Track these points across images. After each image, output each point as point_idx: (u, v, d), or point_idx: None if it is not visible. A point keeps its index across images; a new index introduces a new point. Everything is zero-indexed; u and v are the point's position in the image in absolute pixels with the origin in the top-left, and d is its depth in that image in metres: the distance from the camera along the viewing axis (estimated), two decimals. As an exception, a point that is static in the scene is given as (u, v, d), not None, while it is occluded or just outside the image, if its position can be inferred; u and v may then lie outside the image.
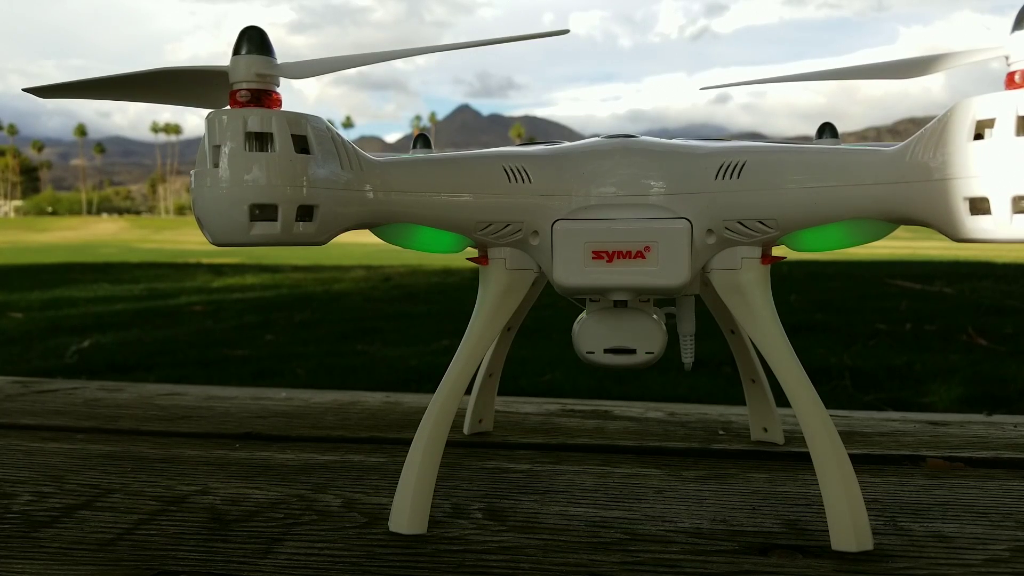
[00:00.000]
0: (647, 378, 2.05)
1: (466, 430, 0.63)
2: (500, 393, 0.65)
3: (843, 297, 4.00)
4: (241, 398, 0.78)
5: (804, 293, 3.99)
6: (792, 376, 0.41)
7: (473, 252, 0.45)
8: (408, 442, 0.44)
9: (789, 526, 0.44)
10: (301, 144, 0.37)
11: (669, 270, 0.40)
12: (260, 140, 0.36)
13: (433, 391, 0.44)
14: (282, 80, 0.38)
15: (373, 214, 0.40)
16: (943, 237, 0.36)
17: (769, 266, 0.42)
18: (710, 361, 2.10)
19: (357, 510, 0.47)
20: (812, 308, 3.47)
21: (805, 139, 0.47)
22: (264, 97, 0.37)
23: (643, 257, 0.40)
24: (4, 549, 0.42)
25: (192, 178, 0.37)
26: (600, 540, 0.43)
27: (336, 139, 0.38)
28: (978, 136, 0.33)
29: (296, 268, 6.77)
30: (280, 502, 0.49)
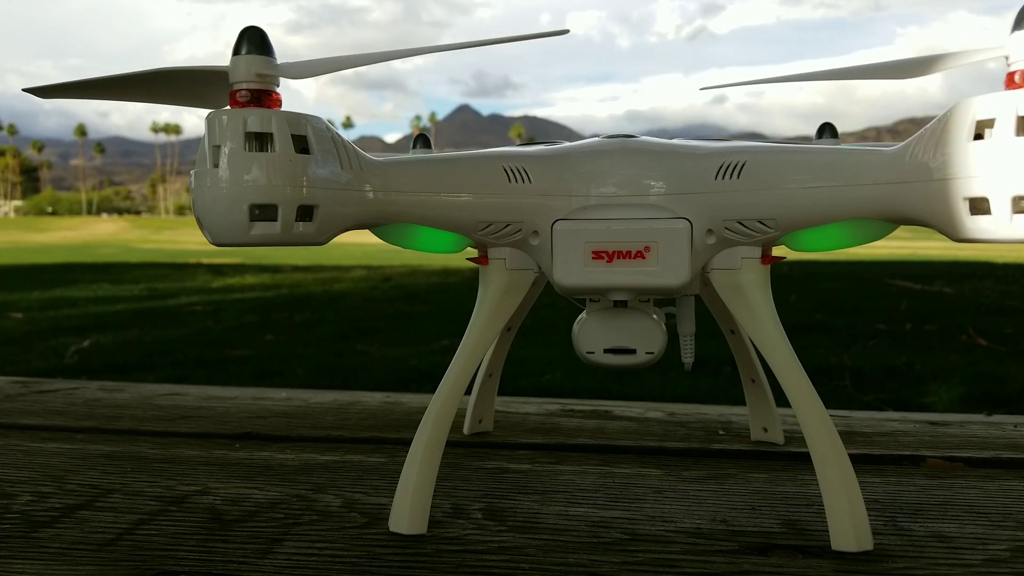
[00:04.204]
0: (647, 378, 2.05)
1: (466, 430, 0.63)
2: (500, 393, 0.65)
3: (843, 297, 4.00)
4: (241, 398, 0.78)
5: (804, 293, 3.99)
6: (792, 376, 0.41)
7: (473, 252, 0.45)
8: (408, 442, 0.44)
9: (789, 526, 0.44)
10: (301, 144, 0.37)
11: (669, 270, 0.40)
12: (260, 140, 0.36)
13: (433, 391, 0.44)
14: (281, 80, 0.38)
15: (373, 214, 0.40)
16: (943, 237, 0.36)
17: (769, 266, 0.42)
18: (710, 361, 2.10)
19: (357, 510, 0.47)
20: (812, 308, 3.47)
21: (804, 139, 0.47)
22: (264, 97, 0.37)
23: (643, 257, 0.40)
24: (4, 549, 0.42)
25: (192, 178, 0.37)
26: (600, 540, 0.43)
27: (336, 139, 0.38)
28: (978, 136, 0.33)
29: (296, 268, 6.77)
30: (280, 502, 0.49)
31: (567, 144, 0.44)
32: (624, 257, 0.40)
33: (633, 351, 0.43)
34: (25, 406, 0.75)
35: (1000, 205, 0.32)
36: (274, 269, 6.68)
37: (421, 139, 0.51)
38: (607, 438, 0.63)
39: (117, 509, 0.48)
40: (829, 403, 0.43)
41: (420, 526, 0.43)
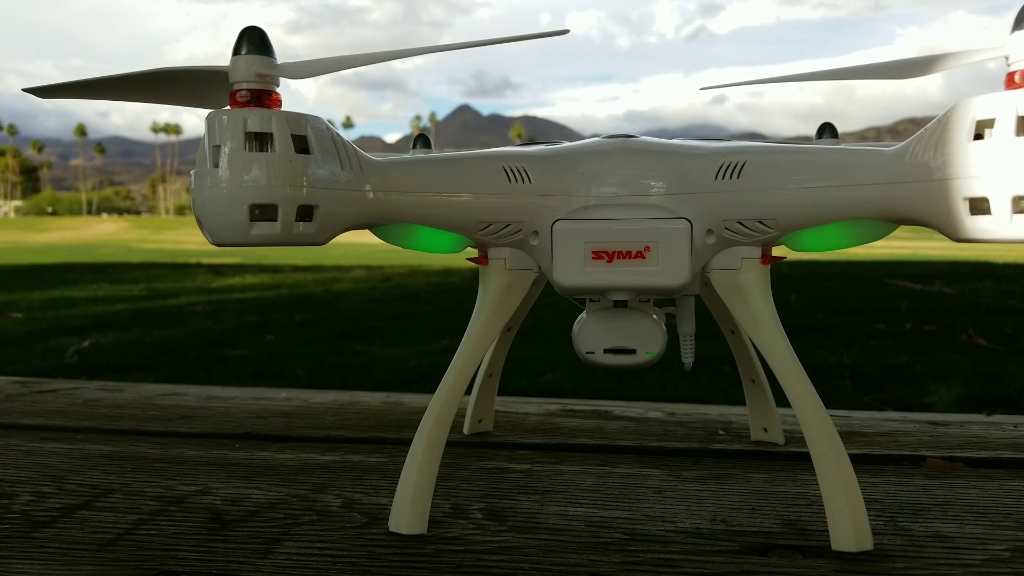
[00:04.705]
0: (647, 378, 2.05)
1: (466, 430, 0.63)
2: (500, 393, 0.65)
3: (843, 297, 4.00)
4: (241, 398, 0.78)
5: (804, 293, 3.99)
6: (792, 376, 0.41)
7: (473, 252, 0.45)
8: (408, 442, 0.44)
9: (789, 526, 0.44)
10: (301, 144, 0.37)
11: (669, 270, 0.40)
12: (260, 140, 0.36)
13: (433, 391, 0.44)
14: (281, 80, 0.38)
15: (373, 214, 0.40)
16: (943, 237, 0.36)
17: (769, 266, 0.42)
18: (710, 361, 2.10)
19: (357, 510, 0.47)
20: (812, 308, 3.47)
21: (804, 139, 0.47)
22: (264, 97, 0.37)
23: (643, 257, 0.40)
24: (4, 549, 0.42)
25: (192, 178, 0.37)
26: (600, 540, 0.43)
27: (336, 139, 0.38)
28: (978, 136, 0.33)
29: (296, 268, 6.77)
30: (280, 502, 0.49)
31: (567, 144, 0.44)
32: (624, 257, 0.40)
33: (633, 351, 0.43)
34: (25, 406, 0.75)
35: (1000, 205, 0.32)
36: (274, 269, 6.68)
37: (421, 139, 0.51)
38: (607, 438, 0.63)
39: (117, 509, 0.48)
40: (829, 403, 0.43)
41: (420, 526, 0.43)
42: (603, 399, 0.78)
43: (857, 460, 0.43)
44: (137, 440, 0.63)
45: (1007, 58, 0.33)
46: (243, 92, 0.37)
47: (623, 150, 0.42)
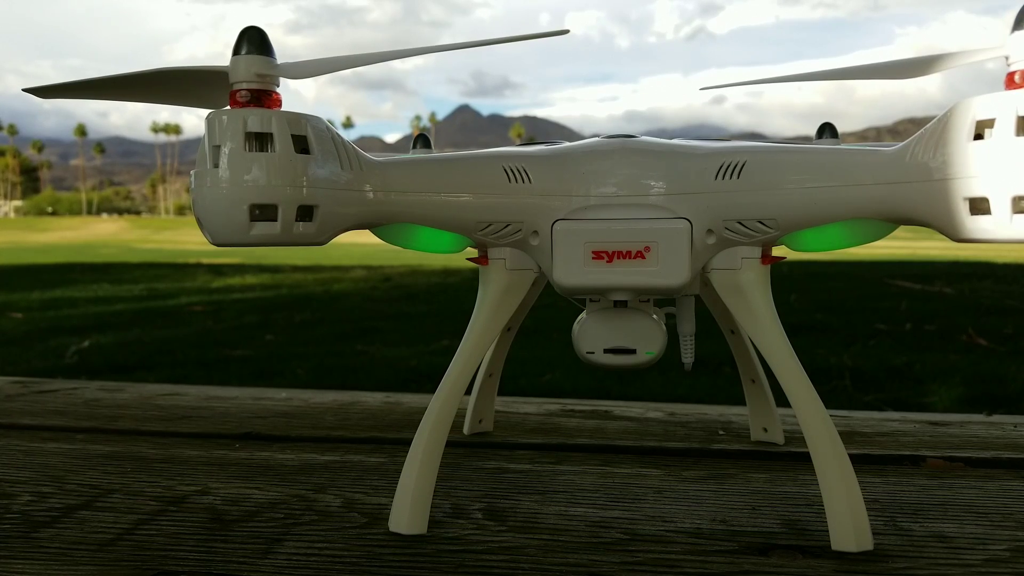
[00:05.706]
0: (647, 378, 2.05)
1: (466, 430, 0.63)
2: (500, 393, 0.65)
3: (843, 297, 4.00)
4: (241, 398, 0.78)
5: (804, 293, 3.99)
6: (792, 376, 0.41)
7: (473, 252, 0.45)
8: (408, 442, 0.44)
9: (789, 526, 0.44)
10: (301, 144, 0.37)
11: (669, 270, 0.40)
12: (260, 140, 0.36)
13: (433, 391, 0.44)
14: (281, 80, 0.38)
15: (373, 214, 0.40)
16: (943, 237, 0.36)
17: (769, 266, 0.42)
18: (710, 361, 2.10)
19: (357, 510, 0.47)
20: (812, 308, 3.47)
21: (804, 139, 0.47)
22: (264, 97, 0.37)
23: (643, 257, 0.40)
24: (4, 549, 0.42)
25: (192, 178, 0.37)
26: (600, 540, 0.43)
27: (336, 139, 0.38)
28: (978, 136, 0.33)
29: (296, 268, 6.77)
30: (280, 502, 0.49)
31: (567, 144, 0.44)
32: (624, 257, 0.40)
33: (633, 351, 0.43)
34: (25, 406, 0.75)
35: (1000, 205, 0.32)
36: (274, 269, 6.68)
37: (421, 139, 0.51)
38: (607, 438, 0.63)
39: (117, 509, 0.48)
40: (829, 403, 0.43)
41: (420, 526, 0.43)
42: (603, 399, 0.78)
43: (857, 460, 0.43)
44: (137, 440, 0.63)
45: (1007, 58, 0.33)
46: (243, 92, 0.37)
47: (623, 150, 0.42)
